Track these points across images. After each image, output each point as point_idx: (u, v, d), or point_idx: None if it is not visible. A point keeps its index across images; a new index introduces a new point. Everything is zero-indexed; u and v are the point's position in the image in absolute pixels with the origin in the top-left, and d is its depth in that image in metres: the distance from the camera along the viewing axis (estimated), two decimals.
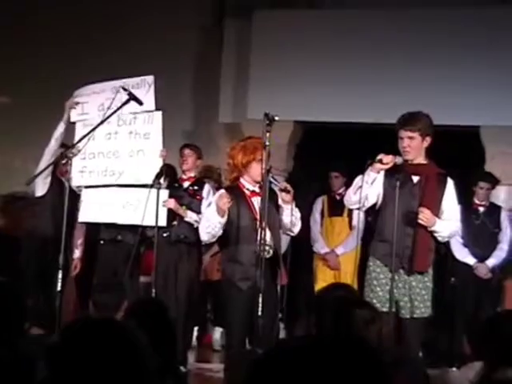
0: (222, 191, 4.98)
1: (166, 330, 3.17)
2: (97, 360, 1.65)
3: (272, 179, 4.88)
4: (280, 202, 4.99)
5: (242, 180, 5.07)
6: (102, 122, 5.86)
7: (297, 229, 5.14)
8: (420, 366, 3.51)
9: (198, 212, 6.23)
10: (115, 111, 5.84)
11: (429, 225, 4.85)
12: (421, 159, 4.97)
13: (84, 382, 1.63)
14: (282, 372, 1.33)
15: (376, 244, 4.99)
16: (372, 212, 5.10)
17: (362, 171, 4.95)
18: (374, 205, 5.00)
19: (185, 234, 6.30)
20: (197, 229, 5.97)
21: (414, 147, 4.90)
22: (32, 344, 2.75)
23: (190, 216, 6.27)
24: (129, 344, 1.68)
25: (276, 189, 4.99)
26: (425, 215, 4.81)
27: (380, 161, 4.80)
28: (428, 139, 4.94)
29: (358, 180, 4.90)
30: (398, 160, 4.83)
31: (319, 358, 1.34)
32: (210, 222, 4.94)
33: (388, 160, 4.80)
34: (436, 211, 4.92)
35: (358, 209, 5.07)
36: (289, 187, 4.89)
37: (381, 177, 4.90)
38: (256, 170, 4.95)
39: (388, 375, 1.37)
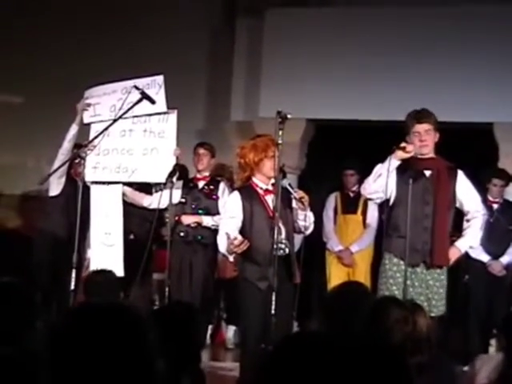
0: (238, 237, 4.80)
1: (186, 327, 3.16)
2: (100, 346, 1.61)
3: (288, 186, 4.87)
4: (294, 205, 4.98)
5: (254, 179, 5.05)
6: (115, 121, 5.89)
7: (309, 231, 5.14)
8: (453, 369, 3.44)
9: (216, 212, 6.26)
10: (128, 110, 5.86)
11: (459, 254, 4.98)
12: (431, 154, 5.01)
13: (86, 368, 1.60)
14: (293, 365, 1.33)
15: (392, 240, 4.98)
16: (386, 209, 5.10)
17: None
18: (388, 201, 5.00)
19: (202, 235, 6.33)
20: (214, 230, 5.99)
21: (431, 140, 4.95)
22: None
23: (207, 222, 6.32)
24: (134, 329, 1.65)
25: (291, 196, 4.96)
26: (450, 256, 4.91)
27: (403, 148, 4.80)
28: (437, 135, 5.01)
29: (377, 168, 4.90)
30: (417, 151, 4.88)
31: (326, 353, 1.34)
32: (223, 249, 4.91)
33: (410, 149, 4.82)
34: (449, 204, 4.96)
35: (373, 199, 5.07)
36: (305, 197, 4.87)
37: (393, 173, 4.90)
38: (268, 166, 4.95)
39: (398, 374, 1.36)
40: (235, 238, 4.72)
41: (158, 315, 3.31)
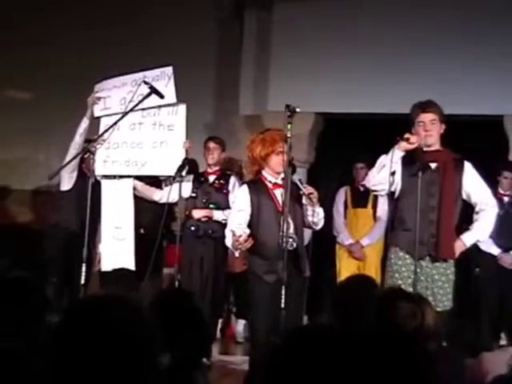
0: (246, 231, 4.83)
1: (192, 320, 3.16)
2: (99, 339, 1.60)
3: (298, 182, 4.85)
4: (304, 201, 4.96)
5: (263, 173, 5.06)
6: (123, 116, 5.90)
7: (319, 226, 5.12)
8: (461, 363, 3.43)
9: (226, 206, 6.26)
10: (136, 105, 5.87)
11: (464, 247, 4.93)
12: (437, 146, 4.97)
13: (86, 361, 1.58)
14: (302, 358, 1.32)
15: (399, 233, 4.96)
16: (391, 202, 5.09)
17: None
18: (393, 194, 4.98)
19: (213, 229, 6.34)
20: (225, 225, 5.99)
21: (436, 131, 4.92)
22: None
23: (218, 216, 6.32)
24: (135, 323, 1.63)
25: (301, 192, 4.94)
26: (456, 249, 4.86)
27: (407, 139, 4.78)
28: (443, 126, 4.97)
29: (381, 159, 4.88)
30: (422, 142, 4.85)
31: (333, 346, 1.33)
32: (229, 244, 4.92)
33: (414, 140, 4.80)
34: (455, 196, 4.93)
35: (378, 191, 5.04)
36: (314, 193, 4.85)
37: (399, 166, 4.88)
38: (276, 161, 4.95)
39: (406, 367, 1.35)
40: (240, 235, 4.72)
41: (156, 303, 3.29)
